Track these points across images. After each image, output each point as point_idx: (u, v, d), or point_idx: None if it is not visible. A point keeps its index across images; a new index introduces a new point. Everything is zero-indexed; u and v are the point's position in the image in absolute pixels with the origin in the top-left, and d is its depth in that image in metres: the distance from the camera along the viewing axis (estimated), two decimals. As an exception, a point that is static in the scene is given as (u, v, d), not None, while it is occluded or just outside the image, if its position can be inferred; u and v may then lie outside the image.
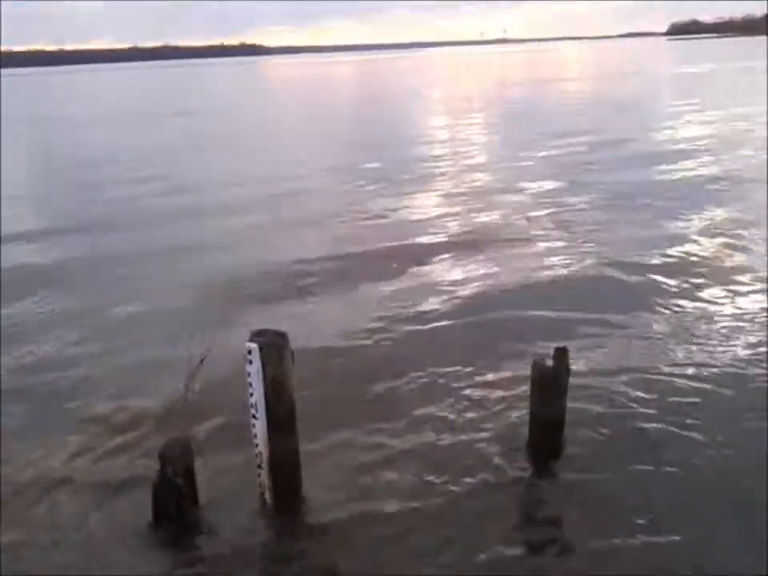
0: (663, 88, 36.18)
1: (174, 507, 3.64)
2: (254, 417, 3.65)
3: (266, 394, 3.57)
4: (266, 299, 7.15)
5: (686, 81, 37.92)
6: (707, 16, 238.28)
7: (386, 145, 19.18)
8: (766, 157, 13.35)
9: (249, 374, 3.58)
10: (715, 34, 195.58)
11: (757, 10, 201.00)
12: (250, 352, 3.54)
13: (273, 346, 3.56)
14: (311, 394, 4.53)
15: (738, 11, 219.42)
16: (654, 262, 7.67)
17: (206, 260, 8.84)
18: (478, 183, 13.06)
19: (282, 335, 3.64)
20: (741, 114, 20.83)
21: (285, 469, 3.77)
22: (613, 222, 9.47)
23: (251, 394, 3.61)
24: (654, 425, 4.41)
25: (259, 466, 3.76)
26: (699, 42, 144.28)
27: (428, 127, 23.38)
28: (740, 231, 8.64)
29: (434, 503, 3.80)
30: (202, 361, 4.38)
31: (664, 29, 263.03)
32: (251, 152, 19.38)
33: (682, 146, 15.72)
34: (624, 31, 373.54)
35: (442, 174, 14.12)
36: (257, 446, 3.71)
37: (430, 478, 4.02)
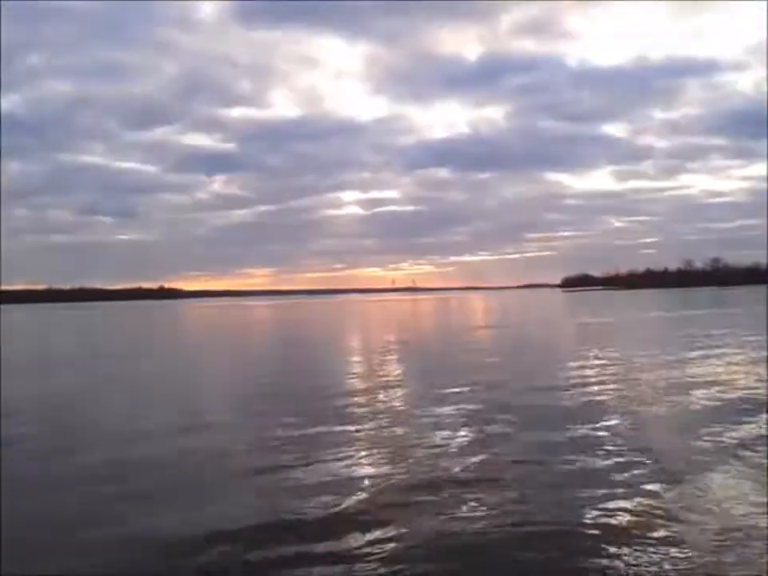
0: (582, 336, 37.94)
1: None
2: None
3: None
4: None
5: (592, 330, 40.10)
6: (595, 271, 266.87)
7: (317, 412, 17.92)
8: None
9: None
10: (601, 287, 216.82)
11: (639, 266, 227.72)
12: None
13: None
14: None
15: (622, 267, 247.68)
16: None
17: None
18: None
19: None
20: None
21: None
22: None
23: None
24: None
25: None
26: (589, 293, 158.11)
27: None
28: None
29: None
30: None
31: (558, 281, 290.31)
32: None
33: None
34: (523, 282, 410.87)
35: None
36: None
37: None
